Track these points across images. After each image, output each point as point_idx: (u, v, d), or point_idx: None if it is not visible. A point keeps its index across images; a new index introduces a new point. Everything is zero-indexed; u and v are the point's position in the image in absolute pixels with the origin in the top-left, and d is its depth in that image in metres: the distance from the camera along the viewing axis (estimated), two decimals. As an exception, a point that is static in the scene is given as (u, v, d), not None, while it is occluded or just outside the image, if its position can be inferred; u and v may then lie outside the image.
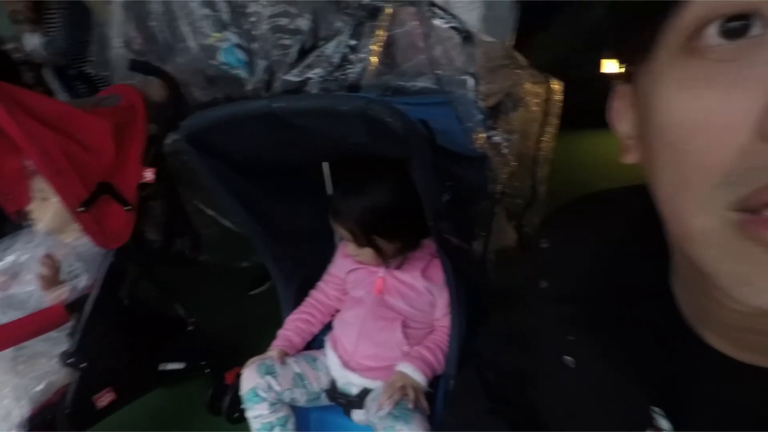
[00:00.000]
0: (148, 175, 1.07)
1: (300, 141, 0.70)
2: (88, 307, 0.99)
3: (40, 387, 0.95)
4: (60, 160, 0.95)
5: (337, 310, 1.04)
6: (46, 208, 1.07)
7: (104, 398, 1.06)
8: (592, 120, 1.30)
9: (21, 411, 0.90)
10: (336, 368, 0.96)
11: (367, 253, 0.91)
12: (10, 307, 0.98)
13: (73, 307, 0.99)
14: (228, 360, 1.33)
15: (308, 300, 1.06)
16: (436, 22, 1.00)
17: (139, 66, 1.08)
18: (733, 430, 0.34)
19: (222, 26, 1.25)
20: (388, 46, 1.02)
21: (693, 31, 0.24)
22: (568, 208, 0.50)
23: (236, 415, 1.14)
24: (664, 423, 0.39)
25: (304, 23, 1.03)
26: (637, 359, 0.36)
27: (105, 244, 1.02)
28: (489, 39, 1.03)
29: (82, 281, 1.01)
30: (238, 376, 0.95)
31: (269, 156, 0.77)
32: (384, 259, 0.91)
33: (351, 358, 0.94)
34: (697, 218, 0.25)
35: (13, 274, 1.02)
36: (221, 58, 1.27)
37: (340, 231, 0.91)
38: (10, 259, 1.00)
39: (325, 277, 1.06)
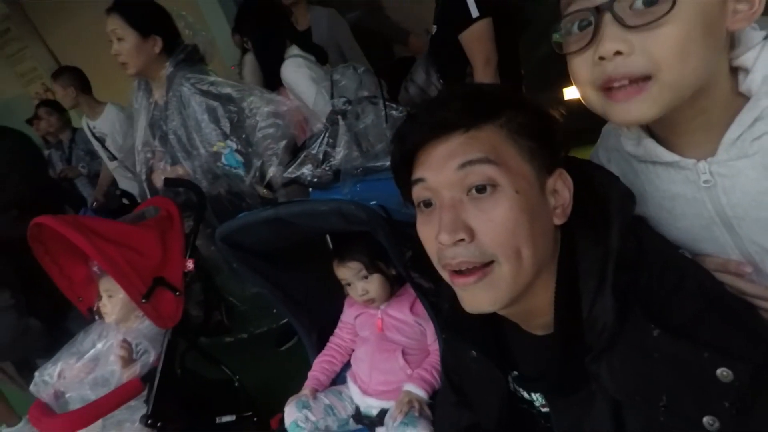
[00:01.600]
0: (190, 265, 1.36)
1: (299, 231, 0.98)
2: (157, 377, 1.26)
3: (129, 447, 1.20)
4: (123, 265, 1.24)
5: (353, 350, 1.29)
6: (114, 304, 1.35)
7: (177, 451, 1.30)
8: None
9: (117, 467, 1.15)
10: (357, 396, 1.19)
11: (376, 281, 1.12)
12: (98, 386, 1.25)
13: (146, 378, 1.25)
14: (271, 407, 1.56)
15: (329, 345, 1.31)
16: (392, 112, 1.31)
17: (172, 182, 1.39)
18: (536, 370, 0.63)
19: (224, 136, 1.59)
20: (358, 137, 1.32)
21: (417, 204, 0.58)
22: None
23: (284, 455, 1.36)
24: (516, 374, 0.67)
25: (288, 132, 1.35)
26: (487, 345, 0.64)
27: (164, 325, 1.30)
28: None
29: (150, 357, 1.28)
30: (281, 420, 1.19)
31: (280, 243, 1.05)
32: (390, 283, 1.13)
33: (368, 386, 1.18)
34: (441, 273, 0.58)
35: (96, 359, 1.30)
36: (224, 160, 1.60)
37: (347, 274, 1.13)
38: (98, 347, 1.28)
39: (340, 324, 1.32)
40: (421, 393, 1.09)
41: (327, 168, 1.25)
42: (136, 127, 1.76)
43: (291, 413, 1.13)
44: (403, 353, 1.15)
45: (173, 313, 1.31)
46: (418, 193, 0.58)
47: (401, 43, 2.97)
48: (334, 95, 1.34)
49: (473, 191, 0.54)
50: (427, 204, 0.57)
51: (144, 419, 1.22)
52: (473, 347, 0.67)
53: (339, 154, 1.26)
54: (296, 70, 1.85)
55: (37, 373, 1.30)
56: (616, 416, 0.52)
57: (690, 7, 0.48)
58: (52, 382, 1.28)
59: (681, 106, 0.53)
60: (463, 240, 0.52)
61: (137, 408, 1.26)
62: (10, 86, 4.90)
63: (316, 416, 1.13)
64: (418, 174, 0.57)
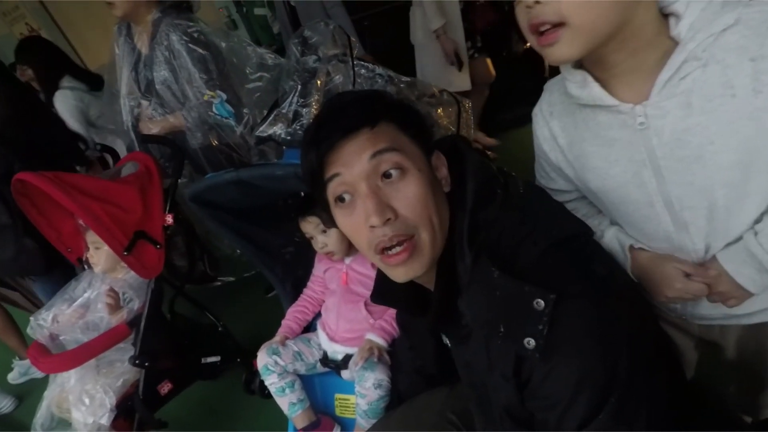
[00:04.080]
0: (169, 219, 1.42)
1: (262, 191, 1.03)
2: (142, 322, 1.36)
3: (119, 383, 1.33)
4: (105, 220, 1.31)
5: (324, 301, 1.38)
6: (100, 255, 1.44)
7: (165, 387, 1.44)
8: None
9: (110, 400, 1.29)
10: (325, 342, 1.29)
11: (334, 235, 1.19)
12: (88, 330, 1.36)
13: (132, 324, 1.36)
14: (255, 350, 1.69)
15: (302, 296, 1.40)
16: (362, 71, 1.31)
17: (149, 139, 1.42)
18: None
19: (215, 86, 1.60)
20: (328, 96, 1.33)
21: (333, 200, 0.65)
22: None
23: (266, 392, 1.41)
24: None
25: (275, 84, 1.37)
26: (409, 304, 0.74)
27: (146, 275, 1.38)
28: (405, 79, 1.33)
29: (135, 304, 1.38)
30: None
31: (247, 202, 1.11)
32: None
33: (335, 334, 1.28)
34: (372, 258, 0.64)
35: (86, 306, 1.40)
36: (215, 110, 1.62)
37: (308, 228, 1.21)
38: (86, 295, 1.38)
39: (312, 278, 1.40)
40: (381, 341, 1.18)
41: (298, 127, 1.27)
42: (119, 75, 1.75)
43: (262, 358, 1.24)
44: (366, 304, 1.23)
45: (155, 265, 1.40)
46: (333, 188, 0.64)
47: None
48: (305, 53, 1.33)
49: (386, 177, 0.62)
50: (341, 199, 0.64)
51: (132, 359, 1.34)
52: (398, 306, 0.77)
53: (309, 113, 1.27)
54: (63, 101, 2.32)
55: (32, 318, 1.41)
56: (487, 347, 0.63)
57: None
58: (46, 326, 1.39)
59: (609, 48, 0.61)
60: (389, 219, 0.60)
61: (127, 350, 1.38)
62: (-6, 25, 4.76)
63: (285, 361, 1.24)
64: (332, 171, 0.63)
